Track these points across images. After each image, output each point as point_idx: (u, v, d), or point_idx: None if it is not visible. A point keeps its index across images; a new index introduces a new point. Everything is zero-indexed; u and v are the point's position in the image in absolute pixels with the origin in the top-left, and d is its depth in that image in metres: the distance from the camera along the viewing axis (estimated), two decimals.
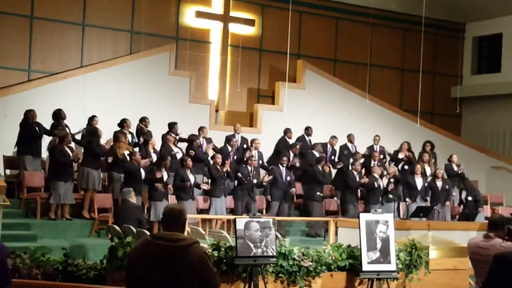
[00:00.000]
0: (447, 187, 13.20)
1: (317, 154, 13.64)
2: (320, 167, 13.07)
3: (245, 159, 12.88)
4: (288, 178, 12.88)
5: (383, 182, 12.96)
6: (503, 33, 18.03)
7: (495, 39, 18.41)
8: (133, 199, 10.27)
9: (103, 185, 12.17)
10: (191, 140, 12.99)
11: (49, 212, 11.19)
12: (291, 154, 13.79)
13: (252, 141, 13.71)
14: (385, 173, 13.34)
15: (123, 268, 6.63)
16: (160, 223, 4.15)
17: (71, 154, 11.38)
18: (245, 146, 13.74)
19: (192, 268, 3.81)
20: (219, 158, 12.40)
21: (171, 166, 12.05)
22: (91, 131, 12.10)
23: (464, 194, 13.25)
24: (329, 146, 14.47)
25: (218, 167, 12.30)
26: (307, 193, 12.94)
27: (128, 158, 11.74)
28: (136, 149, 12.32)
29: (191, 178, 11.96)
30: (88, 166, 11.68)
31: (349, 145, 14.71)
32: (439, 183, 13.17)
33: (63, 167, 11.24)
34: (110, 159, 11.90)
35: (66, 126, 12.13)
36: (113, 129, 12.56)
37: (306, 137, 14.55)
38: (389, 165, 13.69)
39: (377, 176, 13.01)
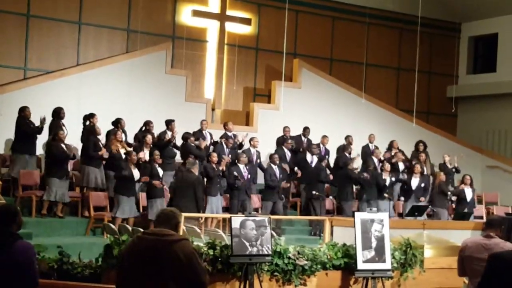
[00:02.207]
0: (476, 197, 13.33)
1: (310, 156, 13.67)
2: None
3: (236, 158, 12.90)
4: (281, 176, 12.88)
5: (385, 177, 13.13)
6: (499, 33, 18.07)
7: (490, 39, 18.45)
8: (196, 171, 10.68)
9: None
10: (185, 138, 13.00)
11: (42, 209, 11.18)
12: (285, 150, 13.82)
13: (251, 139, 13.73)
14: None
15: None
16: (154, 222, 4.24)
17: (67, 151, 11.38)
18: (238, 142, 13.73)
19: (179, 263, 3.84)
20: (214, 157, 12.41)
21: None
22: (90, 129, 12.06)
23: (469, 192, 13.29)
24: (321, 146, 14.50)
25: (214, 165, 12.31)
26: (309, 193, 12.90)
27: (123, 156, 11.75)
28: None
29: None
30: (88, 164, 11.68)
31: (370, 145, 14.85)
32: (468, 190, 13.24)
33: (59, 164, 11.22)
34: (106, 155, 11.87)
35: (63, 125, 12.11)
36: (108, 127, 12.56)
37: (302, 137, 14.56)
38: (384, 165, 13.73)
39: (376, 161, 13.21)
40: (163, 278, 3.85)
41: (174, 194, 10.78)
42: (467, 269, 5.38)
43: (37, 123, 11.70)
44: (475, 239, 5.43)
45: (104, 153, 11.78)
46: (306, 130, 14.62)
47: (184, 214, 9.23)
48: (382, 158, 14.22)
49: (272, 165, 12.91)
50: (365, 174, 13.18)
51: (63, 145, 11.37)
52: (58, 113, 12.10)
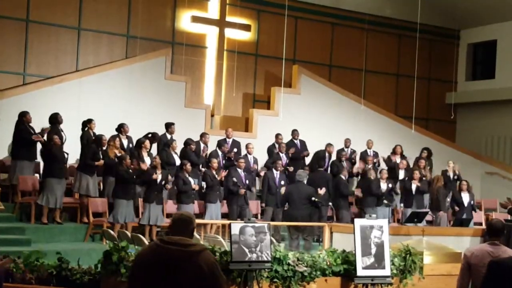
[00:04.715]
0: (472, 202, 13.23)
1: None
2: (343, 177, 13.15)
3: (234, 162, 12.92)
4: (282, 182, 12.88)
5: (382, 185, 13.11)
6: (498, 39, 18.11)
7: (489, 45, 18.48)
8: (305, 180, 11.67)
9: (98, 189, 12.16)
10: (187, 144, 13.01)
11: (41, 217, 11.16)
12: (281, 155, 13.82)
13: (246, 145, 13.73)
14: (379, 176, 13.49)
15: (118, 272, 6.64)
16: (169, 228, 4.08)
17: (65, 155, 11.35)
18: (235, 150, 13.74)
19: (203, 274, 3.75)
20: (215, 163, 12.41)
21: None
22: (96, 139, 12.02)
23: (466, 197, 13.25)
24: (296, 141, 14.53)
25: (214, 171, 12.30)
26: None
27: (118, 161, 11.75)
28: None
29: (191, 181, 12.00)
30: (82, 171, 11.67)
31: (368, 151, 14.84)
32: (464, 196, 13.21)
33: (57, 167, 11.19)
34: (101, 163, 11.88)
35: (61, 130, 12.10)
36: (108, 133, 12.57)
37: (294, 140, 14.55)
38: (380, 171, 13.74)
39: (372, 177, 13.14)
40: None
41: (288, 203, 11.65)
42: (473, 277, 5.28)
43: (36, 128, 11.68)
44: (481, 246, 5.36)
45: (101, 163, 11.78)
46: (294, 132, 14.54)
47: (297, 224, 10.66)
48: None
49: (274, 170, 12.91)
50: (355, 192, 13.31)
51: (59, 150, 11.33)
52: (55, 118, 12.08)
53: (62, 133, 12.06)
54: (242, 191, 12.18)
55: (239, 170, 12.47)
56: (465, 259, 5.36)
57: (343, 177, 13.20)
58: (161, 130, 13.31)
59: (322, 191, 12.30)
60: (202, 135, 13.60)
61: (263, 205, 12.89)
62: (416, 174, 13.41)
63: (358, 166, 14.59)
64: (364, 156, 14.73)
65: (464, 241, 10.29)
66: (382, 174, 13.42)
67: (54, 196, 11.08)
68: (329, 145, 14.44)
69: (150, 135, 12.94)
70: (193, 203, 11.98)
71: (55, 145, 11.32)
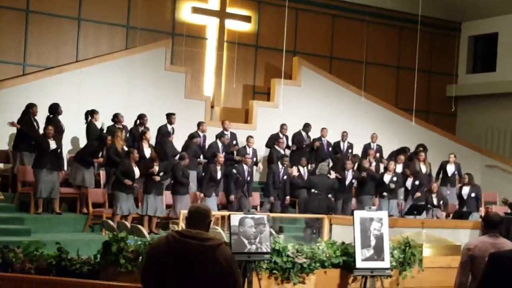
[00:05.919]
0: (473, 194, 13.14)
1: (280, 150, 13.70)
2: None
3: (237, 157, 12.90)
4: (285, 177, 12.86)
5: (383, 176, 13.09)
6: (499, 32, 18.06)
7: (490, 38, 18.44)
8: (326, 172, 12.31)
9: (97, 180, 12.15)
10: (193, 136, 13.03)
11: (37, 208, 11.14)
12: (279, 149, 13.82)
13: (247, 138, 13.71)
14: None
15: (117, 263, 6.65)
16: (185, 221, 4.03)
17: (55, 145, 11.26)
18: (234, 142, 13.73)
19: (221, 268, 3.75)
20: (221, 158, 12.39)
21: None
22: (101, 138, 11.97)
23: (465, 190, 13.20)
24: (322, 139, 14.54)
25: (219, 166, 12.26)
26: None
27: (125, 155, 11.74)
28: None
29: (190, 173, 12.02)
30: (78, 162, 11.66)
31: (372, 144, 14.80)
32: (465, 189, 13.17)
33: (47, 158, 11.12)
34: (100, 161, 11.87)
35: (60, 121, 12.08)
36: (107, 123, 12.56)
37: (303, 132, 14.55)
38: (388, 162, 13.73)
39: (366, 166, 13.17)
40: (202, 284, 3.72)
41: (308, 194, 12.12)
42: (475, 270, 5.26)
43: (40, 120, 11.70)
44: (482, 239, 5.35)
45: (100, 161, 11.80)
46: (308, 126, 14.60)
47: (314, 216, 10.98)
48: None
49: (280, 165, 12.89)
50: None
51: (50, 141, 11.26)
52: (55, 109, 12.07)
53: (61, 123, 12.06)
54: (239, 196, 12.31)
55: (245, 166, 12.49)
56: (468, 252, 5.30)
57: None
58: (160, 122, 13.28)
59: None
60: (200, 124, 13.55)
61: (271, 198, 12.87)
62: (411, 167, 13.43)
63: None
64: (366, 149, 14.71)
65: (463, 234, 10.30)
66: (389, 166, 13.36)
67: (45, 187, 11.00)
68: (323, 129, 14.58)
69: (138, 121, 12.90)
70: (188, 193, 11.97)
71: (46, 136, 11.24)
